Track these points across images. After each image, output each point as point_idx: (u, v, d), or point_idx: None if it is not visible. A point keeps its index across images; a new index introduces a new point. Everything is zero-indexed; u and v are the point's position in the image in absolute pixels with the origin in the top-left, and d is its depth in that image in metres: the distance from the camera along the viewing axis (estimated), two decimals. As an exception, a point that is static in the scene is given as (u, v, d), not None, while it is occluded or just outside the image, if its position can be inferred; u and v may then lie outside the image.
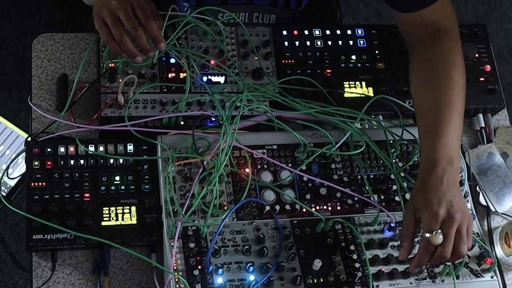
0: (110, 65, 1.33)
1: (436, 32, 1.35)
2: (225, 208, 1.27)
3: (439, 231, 1.17)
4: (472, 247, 1.23)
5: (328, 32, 1.47)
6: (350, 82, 1.43)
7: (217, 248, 1.22)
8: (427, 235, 1.17)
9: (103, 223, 1.24)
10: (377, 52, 1.47)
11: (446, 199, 1.18)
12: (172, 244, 1.21)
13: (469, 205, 1.37)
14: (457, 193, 1.21)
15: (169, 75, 1.36)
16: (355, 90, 1.43)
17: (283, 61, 1.43)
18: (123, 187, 1.27)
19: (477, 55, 1.50)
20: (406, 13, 1.36)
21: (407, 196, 1.33)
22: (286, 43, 1.44)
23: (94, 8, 1.26)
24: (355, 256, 1.26)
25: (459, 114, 1.27)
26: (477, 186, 1.43)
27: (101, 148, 1.29)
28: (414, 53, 1.37)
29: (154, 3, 1.28)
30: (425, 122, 1.28)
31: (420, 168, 1.24)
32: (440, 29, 1.35)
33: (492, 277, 1.30)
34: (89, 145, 1.29)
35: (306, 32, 1.46)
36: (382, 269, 1.26)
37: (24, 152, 1.28)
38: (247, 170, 1.31)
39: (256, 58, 1.41)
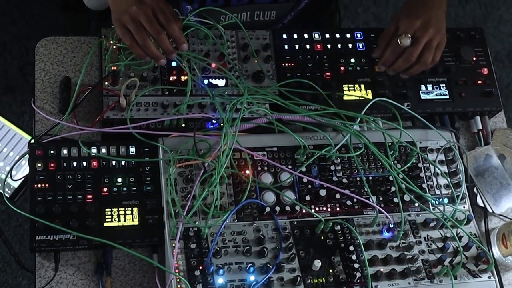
0: (112, 68, 1.34)
1: None
2: (226, 209, 1.28)
3: (409, 35, 1.32)
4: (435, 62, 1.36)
5: (327, 35, 1.48)
6: (349, 85, 1.44)
7: (218, 248, 1.23)
8: (398, 37, 1.33)
9: (106, 224, 1.25)
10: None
11: (426, 15, 1.35)
12: (173, 245, 1.22)
13: (467, 206, 1.39)
14: (440, 16, 1.37)
15: (171, 78, 1.37)
16: (354, 93, 1.44)
17: (283, 64, 1.44)
18: (125, 189, 1.28)
19: (474, 59, 1.52)
20: None
21: (406, 197, 1.35)
22: (286, 47, 1.45)
23: (113, 14, 1.25)
24: (354, 257, 1.27)
25: None
26: (475, 188, 1.43)
27: (104, 150, 1.30)
28: None
29: (170, 5, 1.29)
30: None
31: None
32: None
33: (489, 277, 1.31)
34: (92, 147, 1.30)
35: (305, 35, 1.47)
36: (381, 270, 1.26)
37: (27, 154, 1.29)
38: (247, 172, 1.32)
39: (256, 61, 1.42)
